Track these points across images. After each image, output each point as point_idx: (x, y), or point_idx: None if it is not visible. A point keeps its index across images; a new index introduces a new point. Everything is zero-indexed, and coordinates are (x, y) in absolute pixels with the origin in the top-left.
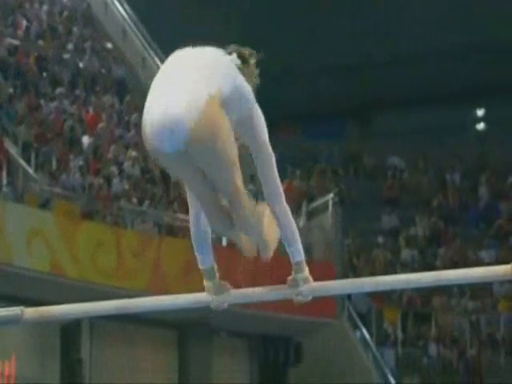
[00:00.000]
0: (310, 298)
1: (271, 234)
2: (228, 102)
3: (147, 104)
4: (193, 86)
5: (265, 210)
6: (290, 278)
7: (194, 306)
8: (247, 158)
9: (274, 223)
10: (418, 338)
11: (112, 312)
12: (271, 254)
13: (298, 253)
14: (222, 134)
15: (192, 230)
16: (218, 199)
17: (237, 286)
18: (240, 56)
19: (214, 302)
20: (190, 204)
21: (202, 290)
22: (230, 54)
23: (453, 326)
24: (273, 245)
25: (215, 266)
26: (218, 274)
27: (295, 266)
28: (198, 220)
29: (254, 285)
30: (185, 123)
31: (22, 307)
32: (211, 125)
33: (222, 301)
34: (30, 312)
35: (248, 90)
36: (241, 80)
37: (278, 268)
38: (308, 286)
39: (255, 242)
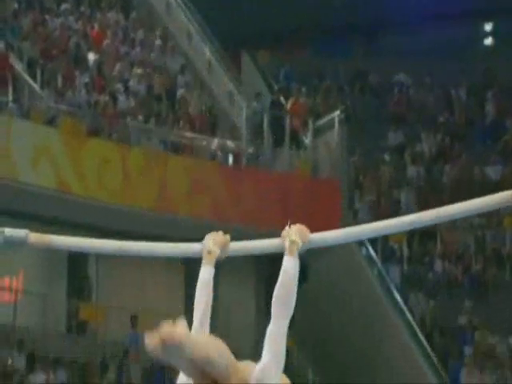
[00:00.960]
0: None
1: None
2: None
3: None
4: None
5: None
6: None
7: (196, 256)
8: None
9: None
10: (423, 255)
11: (115, 252)
12: None
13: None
14: None
15: None
16: None
17: (243, 207)
18: None
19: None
20: None
21: (206, 209)
22: None
23: (458, 243)
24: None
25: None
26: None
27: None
28: None
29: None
30: None
31: (27, 230)
32: None
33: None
34: (35, 237)
35: None
36: None
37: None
38: (308, 236)
39: None
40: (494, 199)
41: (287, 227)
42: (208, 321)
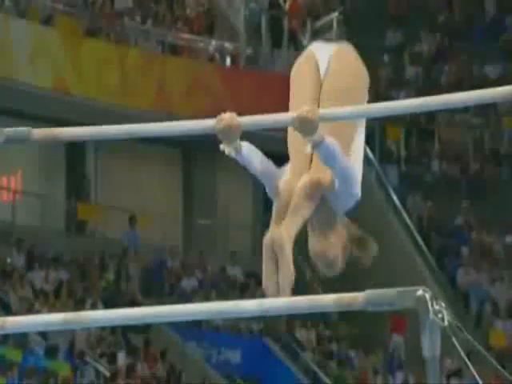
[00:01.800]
0: (317, 124)
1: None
2: None
3: None
4: None
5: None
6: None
7: (202, 133)
8: None
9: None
10: (421, 155)
11: (120, 136)
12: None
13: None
14: None
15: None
16: None
17: (241, 108)
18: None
19: (224, 129)
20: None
21: (204, 109)
22: None
23: (456, 142)
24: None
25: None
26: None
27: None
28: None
29: (258, 105)
30: None
31: (29, 128)
32: None
33: (232, 126)
34: (38, 132)
35: None
36: None
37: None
38: (317, 111)
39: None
40: (501, 91)
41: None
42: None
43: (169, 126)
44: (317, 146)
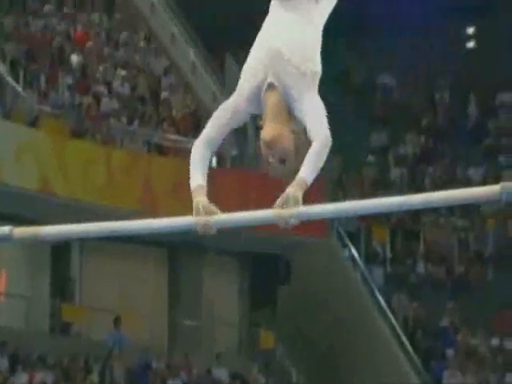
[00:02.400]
0: (297, 222)
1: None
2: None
3: None
4: None
5: None
6: (280, 197)
7: (183, 230)
8: None
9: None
10: (406, 256)
11: (101, 234)
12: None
13: (308, 173)
14: None
15: (198, 149)
16: None
17: (227, 208)
18: None
19: (202, 228)
20: (214, 126)
21: (191, 210)
22: None
23: (441, 244)
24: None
25: (205, 187)
26: (206, 197)
27: (296, 181)
28: (212, 145)
29: (244, 205)
30: None
31: (11, 226)
32: None
33: (209, 226)
34: (20, 231)
35: None
36: None
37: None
38: (298, 209)
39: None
40: (483, 191)
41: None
42: None
43: (147, 223)
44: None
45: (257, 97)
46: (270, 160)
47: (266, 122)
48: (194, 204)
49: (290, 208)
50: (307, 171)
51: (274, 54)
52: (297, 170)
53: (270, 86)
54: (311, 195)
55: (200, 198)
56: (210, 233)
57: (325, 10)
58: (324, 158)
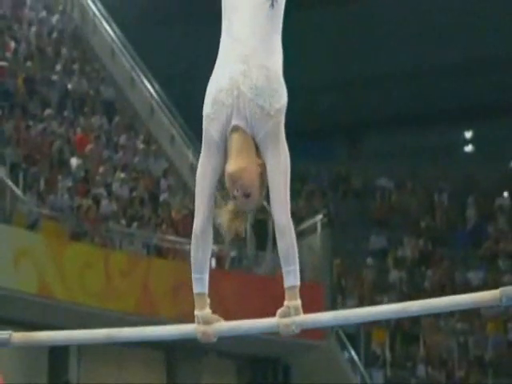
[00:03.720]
0: (298, 330)
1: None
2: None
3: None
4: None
5: None
6: (280, 309)
7: (182, 337)
8: None
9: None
10: (406, 359)
11: (99, 340)
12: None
13: (294, 275)
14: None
15: (197, 241)
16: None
17: (226, 309)
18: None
19: (202, 337)
20: (202, 203)
21: (190, 311)
22: None
23: (441, 347)
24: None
25: (206, 294)
26: (209, 305)
27: (288, 291)
28: (209, 223)
29: (242, 306)
30: None
31: (10, 331)
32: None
33: (210, 334)
34: (18, 336)
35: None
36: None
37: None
38: (298, 318)
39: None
40: (483, 296)
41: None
42: None
43: (147, 331)
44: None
45: (223, 142)
46: (235, 194)
47: (232, 157)
48: (195, 312)
49: (291, 317)
50: (291, 277)
51: (236, 94)
52: (261, 204)
53: (235, 128)
54: (311, 299)
55: (200, 308)
56: (211, 341)
57: (280, 21)
58: (295, 243)
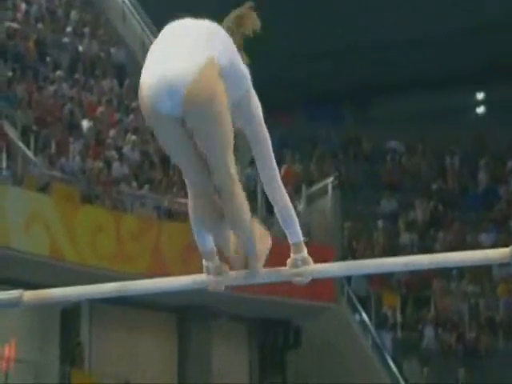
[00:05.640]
0: (309, 279)
1: (263, 243)
2: (225, 76)
3: (145, 66)
4: (191, 49)
5: (257, 222)
6: (288, 259)
7: (192, 288)
8: (242, 146)
9: (267, 235)
10: (416, 322)
11: (111, 294)
12: (261, 265)
13: (295, 234)
14: (220, 100)
15: (191, 215)
16: (210, 190)
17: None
18: (237, 17)
19: (212, 284)
20: (189, 190)
21: (201, 273)
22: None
23: (452, 310)
24: (263, 256)
25: (215, 249)
26: (217, 257)
27: (293, 247)
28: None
29: None
30: (183, 82)
31: (21, 290)
32: (209, 87)
33: (219, 282)
34: (30, 295)
35: (245, 70)
36: (238, 59)
37: (277, 253)
38: (307, 267)
39: (243, 248)
40: (493, 253)
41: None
42: None
43: (155, 282)
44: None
45: None
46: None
47: None
48: (203, 263)
49: (302, 267)
50: (293, 236)
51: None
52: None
53: None
54: (321, 262)
55: (208, 259)
56: (220, 290)
57: None
58: (289, 204)
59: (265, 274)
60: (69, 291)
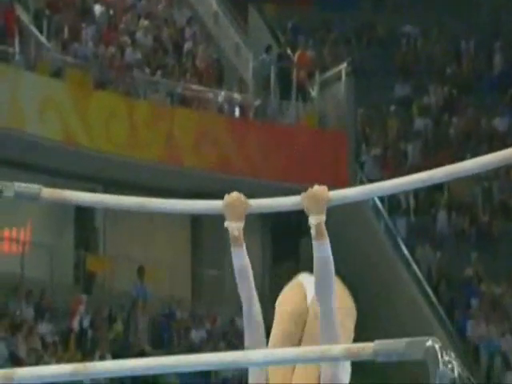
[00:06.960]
0: (327, 199)
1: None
2: None
3: None
4: None
5: None
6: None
7: (212, 213)
8: None
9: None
10: (430, 206)
11: (131, 208)
12: None
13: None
14: None
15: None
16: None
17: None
18: None
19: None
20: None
21: (213, 162)
22: None
23: (465, 194)
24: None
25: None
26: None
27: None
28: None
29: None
30: None
31: (40, 186)
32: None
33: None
34: (48, 192)
35: None
36: None
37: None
38: (327, 194)
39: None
40: (506, 154)
41: (303, 194)
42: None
43: (178, 204)
44: (318, 237)
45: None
46: None
47: None
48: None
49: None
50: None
51: None
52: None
53: None
54: (334, 147)
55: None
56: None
57: None
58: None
59: (279, 204)
60: (87, 197)
